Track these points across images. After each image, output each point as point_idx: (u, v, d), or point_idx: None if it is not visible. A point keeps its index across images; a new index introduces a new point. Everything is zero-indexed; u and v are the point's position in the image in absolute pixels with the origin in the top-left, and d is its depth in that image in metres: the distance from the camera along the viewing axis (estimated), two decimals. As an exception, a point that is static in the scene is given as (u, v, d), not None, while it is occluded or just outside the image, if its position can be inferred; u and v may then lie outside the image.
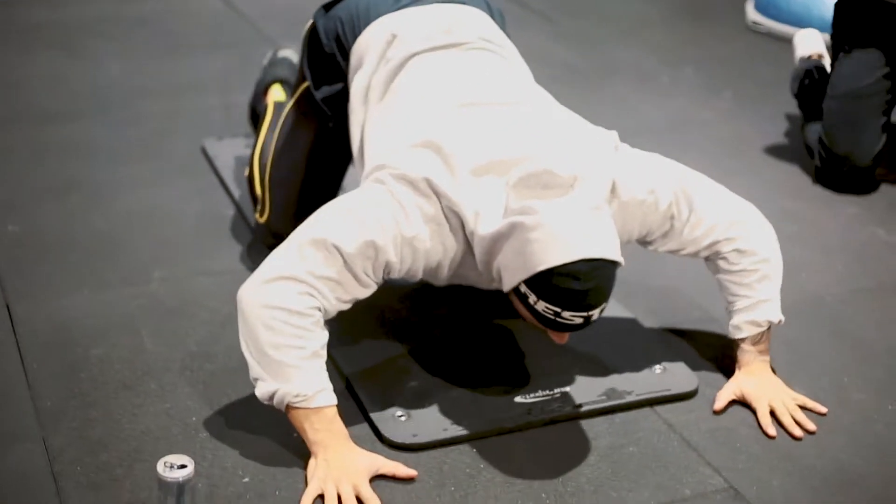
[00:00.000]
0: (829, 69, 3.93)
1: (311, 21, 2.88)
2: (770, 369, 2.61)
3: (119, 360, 2.70)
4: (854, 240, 3.38)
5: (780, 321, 2.57)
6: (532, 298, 2.19)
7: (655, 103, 4.38)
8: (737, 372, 2.60)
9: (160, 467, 2.11)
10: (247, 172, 3.16)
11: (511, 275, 2.21)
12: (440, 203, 2.28)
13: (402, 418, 2.44)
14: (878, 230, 3.40)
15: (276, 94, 3.50)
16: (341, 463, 2.26)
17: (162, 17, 5.30)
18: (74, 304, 2.93)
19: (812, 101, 3.88)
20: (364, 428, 2.44)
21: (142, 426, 2.46)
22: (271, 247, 2.43)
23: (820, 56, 4.05)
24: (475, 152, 2.30)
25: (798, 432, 2.48)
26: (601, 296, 2.18)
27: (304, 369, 2.24)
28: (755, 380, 2.57)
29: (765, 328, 2.56)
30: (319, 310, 2.25)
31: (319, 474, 2.25)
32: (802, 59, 4.05)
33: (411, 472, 2.30)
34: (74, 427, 2.45)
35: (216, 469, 2.33)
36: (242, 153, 3.69)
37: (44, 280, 3.04)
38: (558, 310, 2.18)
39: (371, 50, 2.66)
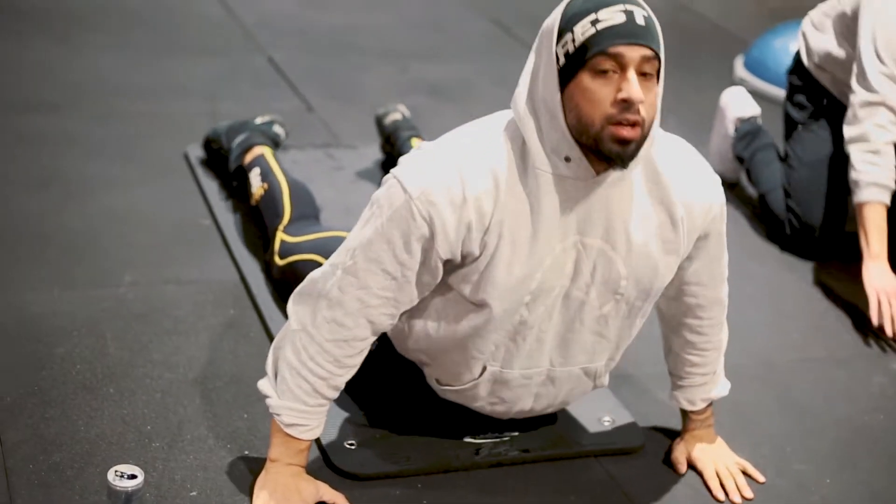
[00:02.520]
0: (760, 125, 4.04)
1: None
2: (714, 434, 2.66)
3: (81, 360, 2.74)
4: (812, 309, 3.44)
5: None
6: (566, 41, 2.07)
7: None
8: (684, 435, 2.65)
9: (111, 476, 2.16)
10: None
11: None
12: None
13: (352, 447, 2.49)
14: (837, 302, 3.47)
15: (265, 161, 3.47)
16: (285, 487, 2.31)
17: (159, 16, 5.34)
18: (43, 300, 2.97)
19: (762, 164, 3.96)
20: (314, 452, 2.49)
21: (97, 430, 2.51)
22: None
23: (755, 117, 4.12)
24: None
25: (737, 498, 2.53)
26: None
27: (304, 401, 2.28)
28: (702, 445, 2.63)
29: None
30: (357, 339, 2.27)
31: (263, 496, 2.30)
32: (743, 120, 4.11)
33: None
34: (31, 424, 2.49)
35: (165, 480, 2.37)
36: (225, 163, 3.71)
37: (14, 273, 3.08)
38: (593, 16, 2.05)
39: None
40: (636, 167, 2.19)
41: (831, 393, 3.03)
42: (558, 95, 2.11)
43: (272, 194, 3.22)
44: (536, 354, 2.35)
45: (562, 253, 2.23)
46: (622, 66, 2.06)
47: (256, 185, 3.30)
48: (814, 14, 3.81)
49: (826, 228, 3.70)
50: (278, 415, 2.30)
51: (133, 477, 2.16)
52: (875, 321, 3.23)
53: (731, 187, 4.19)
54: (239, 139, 3.55)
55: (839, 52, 3.63)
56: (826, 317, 3.40)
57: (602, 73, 2.06)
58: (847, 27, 3.59)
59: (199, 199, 3.58)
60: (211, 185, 3.63)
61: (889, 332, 3.21)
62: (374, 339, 2.30)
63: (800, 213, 3.73)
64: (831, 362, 3.18)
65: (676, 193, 2.27)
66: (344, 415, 2.59)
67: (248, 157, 3.46)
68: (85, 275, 3.12)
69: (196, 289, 3.10)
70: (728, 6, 6.71)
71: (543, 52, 2.13)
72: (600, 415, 2.71)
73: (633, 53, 2.05)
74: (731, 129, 4.10)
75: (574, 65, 2.08)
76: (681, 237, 2.30)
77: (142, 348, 2.82)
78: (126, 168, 3.75)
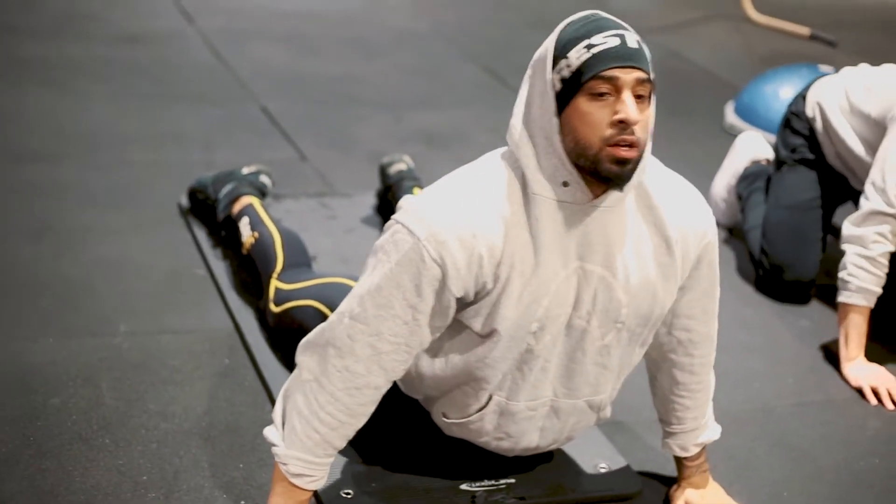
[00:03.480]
0: (767, 168, 4.05)
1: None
2: (710, 479, 2.66)
3: (77, 411, 2.74)
4: (805, 353, 3.45)
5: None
6: (562, 67, 2.11)
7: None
8: (680, 482, 2.65)
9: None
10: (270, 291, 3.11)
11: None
12: None
13: (348, 497, 2.49)
14: (829, 346, 3.47)
15: (254, 210, 3.47)
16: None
17: (154, 65, 5.37)
18: (38, 349, 2.97)
19: (753, 203, 3.98)
20: (311, 502, 2.48)
21: (93, 481, 2.50)
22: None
23: (769, 161, 4.15)
24: None
25: (735, 544, 2.54)
26: (618, 21, 2.15)
27: (313, 451, 2.27)
28: (699, 491, 2.62)
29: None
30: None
31: (259, 545, 2.30)
32: (754, 162, 4.14)
33: None
34: (27, 475, 2.48)
35: (160, 531, 2.38)
36: (212, 213, 3.72)
37: (9, 323, 3.08)
38: (587, 42, 2.10)
39: None
40: (630, 192, 2.21)
41: (828, 437, 3.03)
42: (555, 120, 2.13)
43: (263, 243, 3.23)
44: (540, 384, 2.35)
45: (565, 279, 2.23)
46: (617, 89, 2.09)
47: (247, 235, 3.31)
48: (836, 88, 3.68)
49: (795, 271, 3.72)
50: (285, 464, 2.29)
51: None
52: (874, 402, 3.24)
53: (729, 231, 4.22)
54: (226, 189, 3.57)
55: (853, 143, 3.57)
56: (820, 361, 3.41)
57: (598, 95, 2.09)
58: (867, 126, 3.52)
59: (194, 249, 3.59)
60: (204, 235, 3.64)
61: (890, 407, 3.22)
62: (388, 387, 2.29)
63: (770, 254, 3.75)
64: (828, 406, 3.18)
65: (669, 218, 2.28)
66: (341, 461, 2.58)
67: (237, 207, 3.48)
68: (80, 324, 3.12)
69: (192, 338, 3.10)
70: (718, 53, 6.77)
71: (537, 80, 2.16)
72: (596, 461, 2.70)
73: (627, 76, 2.08)
74: (741, 171, 4.13)
75: (570, 89, 2.11)
76: (676, 261, 2.32)
77: (138, 398, 2.82)
78: (120, 217, 3.76)
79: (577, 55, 2.10)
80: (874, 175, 3.30)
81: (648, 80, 2.11)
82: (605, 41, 2.09)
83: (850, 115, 3.58)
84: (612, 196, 2.19)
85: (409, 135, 4.79)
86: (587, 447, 2.74)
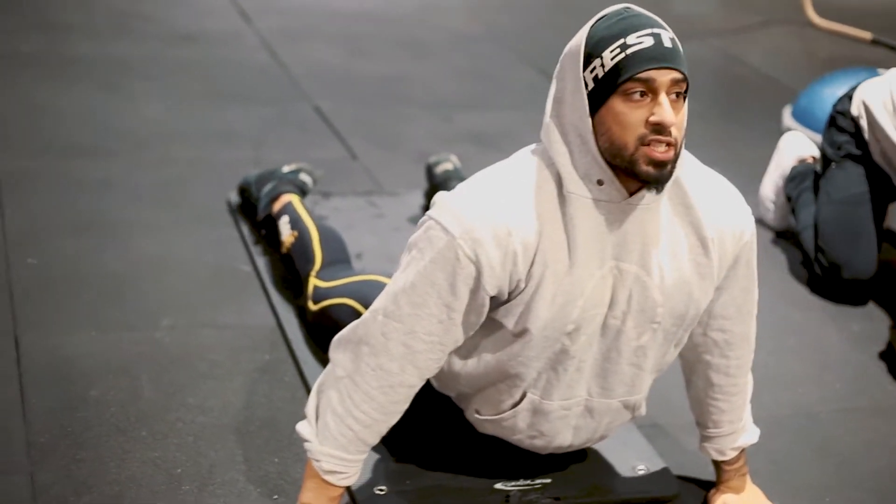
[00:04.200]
0: (814, 167, 4.01)
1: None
2: (750, 483, 2.62)
3: (115, 403, 2.75)
4: (854, 358, 3.39)
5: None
6: (595, 66, 2.07)
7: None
8: (718, 485, 2.61)
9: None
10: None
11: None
12: None
13: (382, 493, 2.47)
14: (880, 351, 3.41)
15: (293, 208, 3.46)
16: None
17: (206, 64, 5.39)
18: (80, 341, 2.99)
19: (804, 204, 3.93)
20: (344, 498, 2.47)
21: (128, 472, 2.51)
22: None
23: (814, 159, 4.10)
24: None
25: (775, 548, 2.50)
26: (651, 17, 2.11)
27: (346, 447, 2.26)
28: (738, 495, 2.59)
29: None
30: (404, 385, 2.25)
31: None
32: (801, 160, 4.09)
33: None
34: (63, 465, 2.50)
35: (191, 524, 2.38)
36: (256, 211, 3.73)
37: (53, 315, 3.11)
38: (621, 41, 2.05)
39: None
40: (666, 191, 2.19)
41: (873, 444, 2.98)
42: (589, 120, 2.10)
43: (302, 241, 3.23)
44: (575, 384, 2.33)
45: (601, 279, 2.20)
46: (653, 90, 2.05)
47: (286, 234, 3.31)
48: (882, 88, 3.67)
49: (854, 269, 3.65)
50: (318, 461, 2.27)
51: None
52: None
53: (778, 234, 4.17)
54: (267, 188, 3.57)
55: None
56: (870, 366, 3.35)
57: (634, 96, 2.06)
58: None
59: (240, 245, 3.60)
60: (250, 232, 3.65)
61: None
62: (420, 386, 2.27)
63: (826, 252, 3.69)
64: (874, 412, 3.13)
65: (706, 217, 2.25)
66: (374, 458, 2.57)
67: (277, 206, 3.48)
68: (121, 318, 3.13)
69: (233, 333, 3.11)
70: (777, 57, 6.69)
71: (569, 78, 2.13)
72: (634, 463, 2.67)
73: (663, 77, 2.05)
74: (788, 170, 4.09)
75: (604, 90, 2.07)
76: (713, 261, 2.28)
77: (176, 391, 2.82)
78: (167, 213, 3.78)
79: (611, 55, 2.06)
80: None
81: (684, 80, 2.08)
82: (640, 41, 2.06)
83: (893, 116, 3.53)
84: (649, 195, 2.16)
85: (459, 135, 4.78)
86: (626, 448, 2.71)
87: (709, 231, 2.25)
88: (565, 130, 2.14)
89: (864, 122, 3.67)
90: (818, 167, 4.07)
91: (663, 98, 2.05)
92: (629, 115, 2.06)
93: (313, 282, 3.06)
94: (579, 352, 2.27)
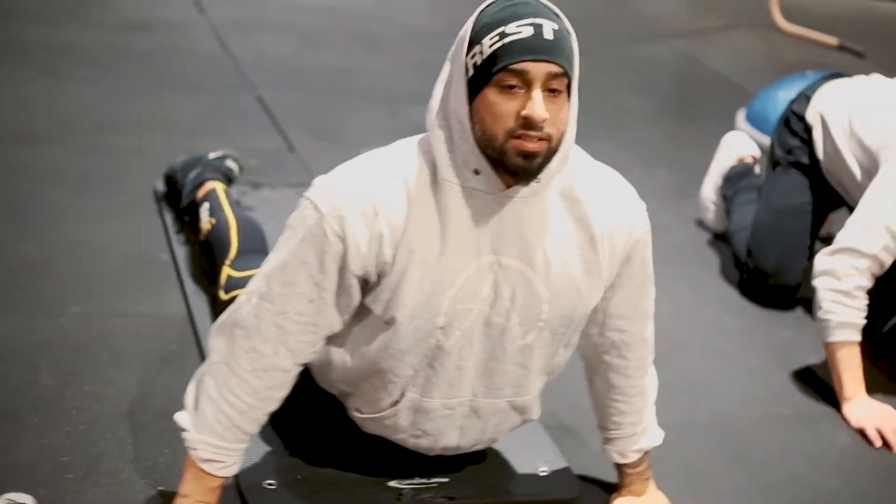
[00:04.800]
0: (756, 172, 3.96)
1: None
2: (653, 488, 2.56)
3: (9, 388, 2.68)
4: (782, 364, 3.33)
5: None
6: (475, 53, 2.01)
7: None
8: (620, 489, 2.56)
9: (2, 502, 2.10)
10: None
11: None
12: None
13: (272, 488, 2.41)
14: (809, 359, 3.36)
15: (216, 196, 3.40)
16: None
17: (154, 52, 5.34)
18: (-19, 326, 2.93)
19: (740, 204, 3.89)
20: (230, 491, 2.40)
21: (12, 458, 2.44)
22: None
23: (754, 159, 4.05)
24: None
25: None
26: (542, 6, 2.04)
27: (222, 436, 2.21)
28: (640, 499, 2.54)
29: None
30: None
31: (166, 536, 2.23)
32: (741, 160, 4.04)
33: None
34: (-55, 449, 2.44)
35: (69, 513, 2.31)
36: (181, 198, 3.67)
37: (-42, 298, 3.04)
38: (500, 29, 1.99)
39: None
40: (549, 185, 2.13)
41: (790, 451, 2.92)
42: (466, 107, 2.05)
43: (219, 229, 3.16)
44: (458, 383, 2.27)
45: (476, 272, 2.15)
46: (528, 83, 2.00)
47: (205, 220, 3.25)
48: (841, 107, 3.53)
49: (780, 278, 3.62)
50: (194, 449, 2.22)
51: (23, 507, 2.11)
52: (878, 445, 3.01)
53: (716, 236, 4.11)
54: (192, 174, 3.51)
55: (851, 164, 3.42)
56: (795, 374, 3.29)
57: (508, 88, 2.00)
58: (864, 154, 3.37)
59: (161, 234, 3.53)
60: (173, 220, 3.59)
61: None
62: (297, 371, 2.22)
63: (755, 257, 3.65)
64: (795, 420, 3.08)
65: (595, 213, 2.20)
66: (264, 451, 2.50)
67: (201, 192, 3.41)
68: (31, 303, 3.07)
69: (142, 322, 3.05)
70: (740, 60, 6.66)
71: (456, 63, 2.08)
72: (538, 464, 2.61)
73: (538, 70, 1.99)
74: (727, 171, 4.04)
75: (481, 78, 2.02)
76: (601, 257, 2.22)
77: (74, 379, 2.76)
78: (94, 201, 3.72)
79: (489, 43, 2.01)
80: (860, 212, 3.13)
81: (564, 74, 2.02)
82: (519, 30, 1.99)
83: (850, 139, 3.44)
84: (525, 188, 2.11)
85: (402, 129, 4.64)
86: (530, 449, 2.65)
87: (597, 227, 2.20)
88: (447, 115, 2.09)
89: (817, 134, 3.57)
90: (757, 167, 4.02)
91: (536, 92, 2.00)
92: (501, 106, 2.01)
93: (226, 271, 3.00)
94: (456, 349, 2.21)
